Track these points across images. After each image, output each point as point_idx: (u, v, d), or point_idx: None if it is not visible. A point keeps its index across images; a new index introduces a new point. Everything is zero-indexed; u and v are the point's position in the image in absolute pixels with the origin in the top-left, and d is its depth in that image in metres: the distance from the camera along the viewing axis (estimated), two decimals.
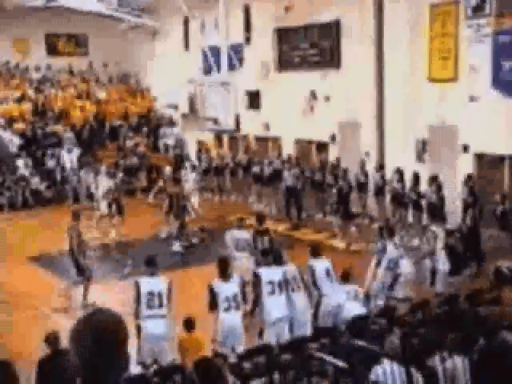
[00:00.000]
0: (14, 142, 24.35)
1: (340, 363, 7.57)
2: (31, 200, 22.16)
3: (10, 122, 25.39)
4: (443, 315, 8.64)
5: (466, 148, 16.56)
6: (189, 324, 8.74)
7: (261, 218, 13.20)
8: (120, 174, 20.23)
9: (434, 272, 12.17)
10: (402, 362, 6.26)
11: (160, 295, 9.07)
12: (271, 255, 10.38)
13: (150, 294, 9.02)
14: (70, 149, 24.36)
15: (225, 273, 9.17)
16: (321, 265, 10.08)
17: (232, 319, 8.93)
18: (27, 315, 12.15)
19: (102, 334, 2.41)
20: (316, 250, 10.46)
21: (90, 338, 2.40)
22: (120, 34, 28.87)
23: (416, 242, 15.51)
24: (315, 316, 9.82)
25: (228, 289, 9.02)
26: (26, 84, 27.92)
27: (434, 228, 13.13)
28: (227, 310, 8.91)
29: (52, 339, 7.74)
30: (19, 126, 25.31)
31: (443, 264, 11.92)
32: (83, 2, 26.11)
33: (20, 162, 23.45)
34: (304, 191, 19.60)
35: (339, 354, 7.69)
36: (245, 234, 12.36)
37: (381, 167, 18.45)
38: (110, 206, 17.68)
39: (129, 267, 14.36)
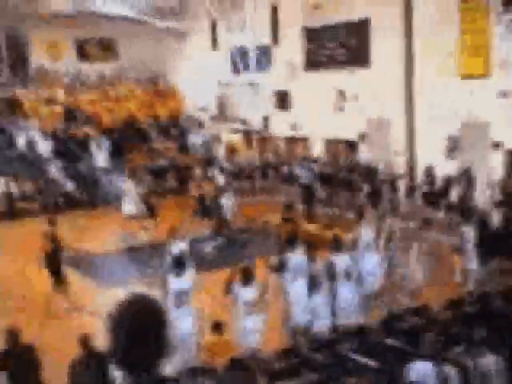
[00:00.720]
0: (46, 146, 24.58)
1: (372, 362, 7.50)
2: (63, 203, 22.34)
3: (42, 125, 25.72)
4: (476, 313, 8.53)
5: (497, 145, 16.34)
6: (217, 327, 8.73)
7: (288, 206, 14.63)
8: (148, 177, 20.30)
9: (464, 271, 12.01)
10: (436, 360, 6.18)
11: (188, 293, 9.16)
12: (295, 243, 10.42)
13: (179, 292, 9.08)
14: (100, 145, 24.59)
15: (247, 278, 9.20)
16: (341, 262, 10.13)
17: (251, 323, 8.98)
18: (54, 316, 12.25)
19: (139, 322, 2.36)
20: (338, 244, 10.52)
21: (126, 325, 2.35)
22: (148, 37, 29.05)
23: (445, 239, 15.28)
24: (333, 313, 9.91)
25: (249, 292, 9.06)
26: (57, 88, 28.22)
27: (464, 228, 12.89)
28: (248, 314, 8.98)
29: (85, 340, 7.85)
30: (51, 128, 25.63)
31: (472, 262, 11.81)
32: (112, 7, 26.35)
33: (52, 166, 23.67)
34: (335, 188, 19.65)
35: (372, 354, 7.62)
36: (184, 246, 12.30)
37: (411, 170, 18.35)
38: (144, 208, 17.76)
39: (154, 268, 14.39)
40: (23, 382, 8.00)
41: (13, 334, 8.17)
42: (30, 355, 8.11)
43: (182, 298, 9.12)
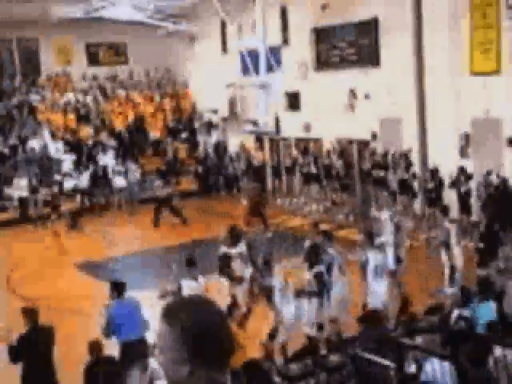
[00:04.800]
0: (66, 159, 24.49)
1: (388, 363, 7.47)
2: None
3: (55, 130, 25.85)
4: None
5: (511, 141, 16.24)
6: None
7: None
8: (158, 181, 20.46)
9: (452, 268, 11.79)
10: (452, 358, 6.16)
11: None
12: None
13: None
14: (107, 150, 24.84)
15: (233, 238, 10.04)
16: None
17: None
18: (76, 320, 12.31)
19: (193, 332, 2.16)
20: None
21: (176, 335, 2.17)
22: (158, 40, 29.11)
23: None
24: None
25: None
26: (69, 93, 28.35)
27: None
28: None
29: (95, 348, 7.92)
30: (64, 133, 25.79)
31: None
32: (121, 11, 26.41)
33: (64, 170, 23.73)
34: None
35: (388, 354, 7.59)
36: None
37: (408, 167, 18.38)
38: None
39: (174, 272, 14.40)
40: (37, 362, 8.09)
41: (33, 313, 8.29)
42: (47, 337, 8.21)
43: None
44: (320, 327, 9.82)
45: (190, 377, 2.18)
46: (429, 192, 17.06)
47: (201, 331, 2.17)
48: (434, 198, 16.70)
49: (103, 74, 30.20)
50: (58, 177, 23.28)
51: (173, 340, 2.18)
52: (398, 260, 11.28)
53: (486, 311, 8.10)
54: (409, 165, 18.09)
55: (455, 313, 7.96)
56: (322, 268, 10.00)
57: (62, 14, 25.89)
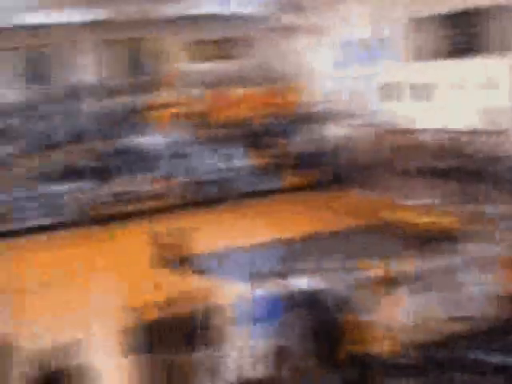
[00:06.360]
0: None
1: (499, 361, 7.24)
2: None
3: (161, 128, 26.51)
4: None
5: None
6: None
7: None
8: None
9: None
10: None
11: None
12: None
13: None
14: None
15: None
16: None
17: None
18: None
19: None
20: None
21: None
22: (272, 34, 29.00)
23: None
24: None
25: None
26: (174, 91, 28.93)
27: None
28: None
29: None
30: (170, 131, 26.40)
31: None
32: (235, 7, 26.60)
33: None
34: None
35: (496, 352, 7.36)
36: None
37: None
38: None
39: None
40: None
41: None
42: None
43: None
44: None
45: None
46: None
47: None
48: None
49: (209, 70, 30.42)
50: None
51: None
52: None
53: None
54: None
55: None
56: None
57: (175, 12, 26.48)
